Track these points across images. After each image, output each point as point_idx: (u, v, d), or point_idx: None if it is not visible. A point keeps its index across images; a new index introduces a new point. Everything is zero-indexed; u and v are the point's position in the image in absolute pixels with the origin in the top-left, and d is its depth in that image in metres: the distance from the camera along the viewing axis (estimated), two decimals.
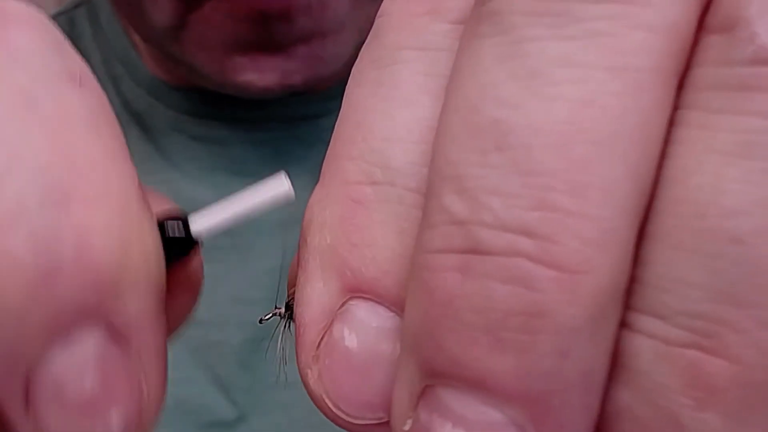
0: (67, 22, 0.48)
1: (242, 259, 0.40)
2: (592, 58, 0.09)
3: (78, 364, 0.10)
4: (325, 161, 0.12)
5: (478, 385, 0.10)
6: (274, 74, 0.36)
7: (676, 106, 0.10)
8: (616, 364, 0.10)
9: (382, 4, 0.12)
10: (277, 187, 0.13)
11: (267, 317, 0.16)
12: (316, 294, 0.11)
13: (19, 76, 0.11)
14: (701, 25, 0.10)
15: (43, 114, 0.10)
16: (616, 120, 0.09)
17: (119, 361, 0.10)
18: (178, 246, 0.13)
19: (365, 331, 0.11)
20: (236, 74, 0.37)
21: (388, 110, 0.11)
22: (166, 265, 0.12)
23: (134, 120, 0.44)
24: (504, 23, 0.10)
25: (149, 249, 0.11)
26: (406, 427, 0.10)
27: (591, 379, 0.10)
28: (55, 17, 0.48)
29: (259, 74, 0.37)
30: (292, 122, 0.42)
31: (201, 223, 0.13)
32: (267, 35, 0.36)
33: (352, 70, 0.12)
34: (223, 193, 0.50)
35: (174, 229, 0.13)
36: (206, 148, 0.43)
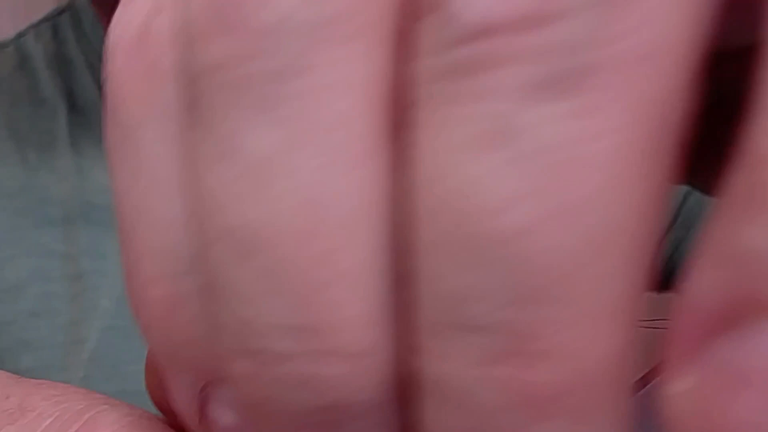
0: (51, 28, 0.48)
1: None
2: (297, 142, 0.09)
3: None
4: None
5: None
6: None
7: (407, 105, 0.09)
8: (434, 395, 0.09)
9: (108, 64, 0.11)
10: None
11: None
12: (174, 388, 0.11)
13: None
14: (409, 18, 0.09)
15: None
16: (346, 201, 0.09)
17: None
18: None
19: (236, 405, 0.11)
20: None
21: (147, 197, 0.10)
22: None
23: None
24: (210, 112, 0.09)
25: None
26: None
27: None
28: (39, 23, 0.49)
29: None
30: None
31: None
32: None
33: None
34: None
35: None
36: None
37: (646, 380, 0.10)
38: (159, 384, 0.13)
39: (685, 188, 0.43)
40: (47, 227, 0.43)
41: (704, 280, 0.08)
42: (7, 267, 0.43)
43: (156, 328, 0.11)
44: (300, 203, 0.09)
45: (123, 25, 0.11)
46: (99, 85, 0.45)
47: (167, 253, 0.10)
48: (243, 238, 0.09)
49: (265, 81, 0.09)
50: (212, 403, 0.11)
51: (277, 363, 0.09)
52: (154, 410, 0.15)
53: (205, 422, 0.11)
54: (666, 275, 0.23)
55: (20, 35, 0.49)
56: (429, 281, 0.09)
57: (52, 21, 0.49)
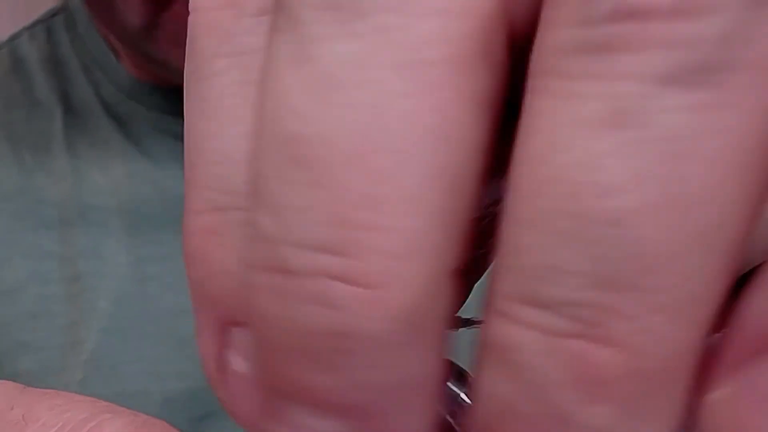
0: (45, 30, 0.48)
1: None
2: (380, 57, 0.09)
3: None
4: None
5: (304, 401, 0.10)
6: None
7: (528, 75, 0.09)
8: (493, 358, 0.09)
9: None
10: None
11: None
12: (202, 325, 0.11)
13: None
14: None
15: None
16: (410, 123, 0.09)
17: None
18: None
19: (251, 354, 0.11)
20: None
21: (215, 131, 0.11)
22: None
23: (117, 124, 0.45)
24: (294, 19, 0.09)
25: None
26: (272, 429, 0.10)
27: (416, 382, 0.10)
28: (33, 26, 0.49)
29: None
30: None
31: None
32: None
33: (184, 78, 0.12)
34: None
35: None
36: None
37: None
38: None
39: None
40: (44, 229, 0.43)
41: (763, 304, 0.08)
42: (4, 269, 0.43)
43: (195, 258, 0.11)
44: (361, 120, 0.09)
45: None
46: (94, 86, 0.45)
47: (217, 186, 0.11)
48: (297, 147, 0.09)
49: None
50: (230, 348, 0.11)
51: (297, 278, 0.09)
52: (154, 413, 0.15)
53: (221, 368, 0.11)
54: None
55: (14, 37, 0.49)
56: (517, 251, 0.09)
57: (46, 23, 0.49)
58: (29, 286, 0.42)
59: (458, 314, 0.11)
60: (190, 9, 0.11)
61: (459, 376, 0.12)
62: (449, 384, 0.12)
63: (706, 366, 0.09)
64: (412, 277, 0.09)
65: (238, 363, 0.11)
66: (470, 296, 0.12)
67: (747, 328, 0.08)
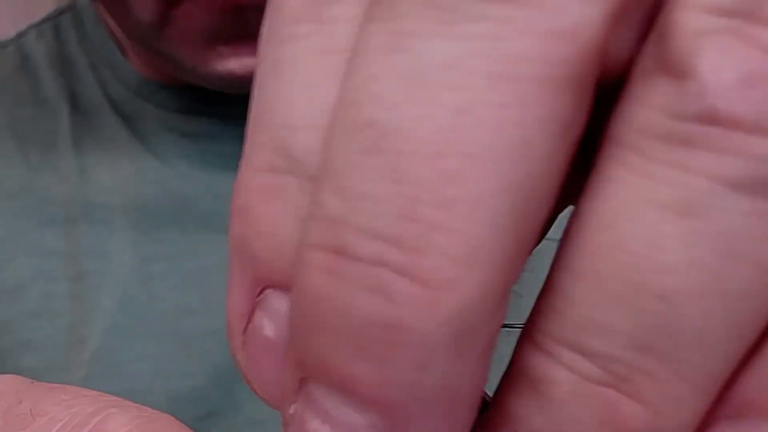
0: (53, 28, 0.48)
1: None
2: (475, 63, 0.09)
3: None
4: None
5: (340, 388, 0.10)
6: (254, 63, 0.37)
7: (605, 135, 0.09)
8: (532, 388, 0.10)
9: None
10: None
11: None
12: (235, 282, 0.11)
13: None
14: (643, 39, 0.09)
15: None
16: (492, 133, 0.09)
17: None
18: None
19: (281, 320, 0.11)
20: (218, 65, 0.38)
21: (287, 93, 0.11)
22: None
23: (124, 122, 0.45)
24: (395, 10, 0.09)
25: None
26: (291, 411, 0.10)
27: (456, 391, 0.10)
28: (40, 23, 0.49)
29: (240, 64, 0.38)
30: None
31: None
32: (243, 24, 0.36)
33: (260, 41, 0.12)
34: (215, 189, 0.50)
35: None
36: (197, 145, 0.44)
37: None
38: None
39: None
40: (49, 227, 0.43)
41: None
42: (8, 267, 0.43)
43: (244, 214, 0.11)
44: (446, 120, 0.09)
45: None
46: (101, 84, 0.45)
47: (280, 148, 0.11)
48: (376, 134, 0.09)
49: None
50: (260, 310, 0.11)
51: (356, 263, 0.09)
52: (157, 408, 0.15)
53: (247, 329, 0.11)
54: None
55: (21, 35, 0.49)
56: (569, 299, 0.10)
57: (54, 21, 0.49)
58: (33, 284, 0.42)
59: None
60: None
61: None
62: None
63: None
64: (471, 285, 0.09)
65: (266, 326, 0.11)
66: None
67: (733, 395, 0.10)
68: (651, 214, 0.09)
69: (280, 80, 0.11)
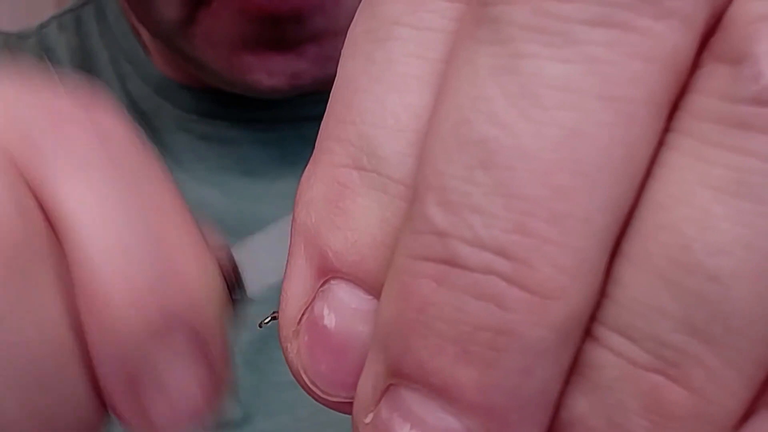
0: (74, 20, 0.48)
1: None
2: (586, 84, 0.09)
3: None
4: (318, 137, 0.12)
5: (440, 393, 0.10)
6: (284, 74, 0.36)
7: (667, 128, 0.10)
8: (578, 373, 0.10)
9: None
10: None
11: (267, 321, 0.16)
12: (298, 270, 0.12)
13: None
14: (704, 46, 0.10)
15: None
16: (602, 151, 0.09)
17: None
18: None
19: (344, 312, 0.11)
20: (245, 73, 0.37)
21: (378, 93, 0.11)
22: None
23: (141, 119, 0.44)
24: (502, 33, 0.10)
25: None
26: (367, 420, 0.11)
27: (550, 396, 0.10)
28: (62, 15, 0.48)
29: (268, 74, 0.37)
30: (301, 122, 0.41)
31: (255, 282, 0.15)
32: (277, 35, 0.35)
33: (348, 35, 0.12)
34: (230, 193, 0.49)
35: (233, 286, 0.15)
36: (214, 148, 0.43)
37: None
38: None
39: None
40: None
41: None
42: None
43: (319, 206, 0.11)
44: (558, 139, 0.09)
45: None
46: (121, 79, 0.45)
47: (365, 146, 0.11)
48: (488, 151, 0.09)
49: (575, 21, 0.09)
50: (323, 300, 0.11)
51: (467, 273, 0.09)
52: None
53: (305, 318, 0.12)
54: None
55: (42, 26, 0.48)
56: (618, 282, 0.10)
57: (76, 12, 0.48)
58: None
59: None
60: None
61: None
62: None
63: None
64: (578, 294, 0.09)
65: (326, 317, 0.11)
66: None
67: None
68: (704, 195, 0.09)
69: (370, 80, 0.11)
